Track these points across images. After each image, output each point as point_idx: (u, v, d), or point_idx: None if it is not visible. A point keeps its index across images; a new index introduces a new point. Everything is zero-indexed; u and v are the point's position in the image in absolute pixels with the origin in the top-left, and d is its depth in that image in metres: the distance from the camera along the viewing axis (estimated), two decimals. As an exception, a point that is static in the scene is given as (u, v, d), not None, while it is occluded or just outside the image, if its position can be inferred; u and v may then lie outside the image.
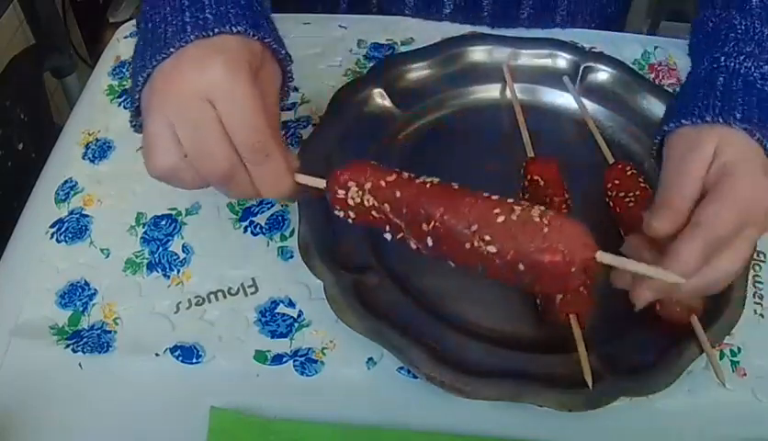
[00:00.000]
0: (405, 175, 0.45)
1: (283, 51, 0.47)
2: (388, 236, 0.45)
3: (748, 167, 0.45)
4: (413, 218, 0.43)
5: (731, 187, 0.44)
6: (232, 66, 0.42)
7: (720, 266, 0.44)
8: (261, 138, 0.42)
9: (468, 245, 0.42)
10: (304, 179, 0.46)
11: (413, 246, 0.44)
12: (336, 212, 0.46)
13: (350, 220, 0.46)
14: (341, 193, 0.45)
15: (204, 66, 0.42)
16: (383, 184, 0.44)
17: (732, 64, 0.50)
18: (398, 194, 0.44)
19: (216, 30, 0.43)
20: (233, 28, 0.43)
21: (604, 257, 0.40)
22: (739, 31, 0.52)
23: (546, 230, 0.40)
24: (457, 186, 0.44)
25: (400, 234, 0.45)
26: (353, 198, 0.45)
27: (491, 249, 0.41)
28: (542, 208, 0.42)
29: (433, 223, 0.42)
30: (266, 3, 0.49)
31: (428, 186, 0.44)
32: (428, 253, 0.44)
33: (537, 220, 0.41)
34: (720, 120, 0.47)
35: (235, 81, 0.41)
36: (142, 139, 0.43)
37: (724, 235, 0.43)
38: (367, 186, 0.44)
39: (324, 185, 0.45)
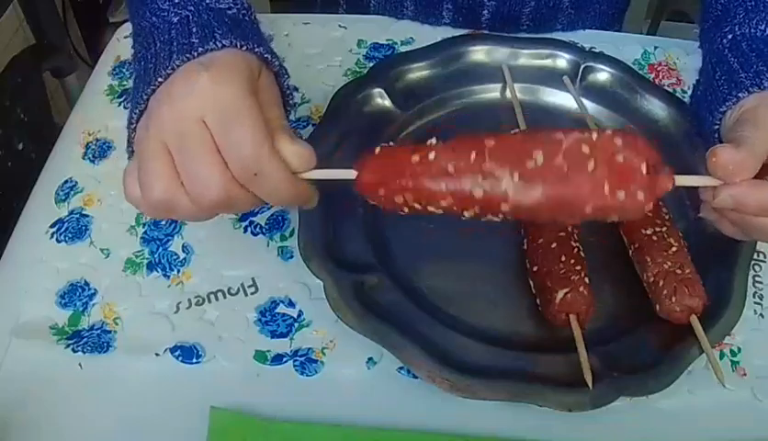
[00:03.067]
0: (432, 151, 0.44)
1: (276, 62, 0.46)
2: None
3: None
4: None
5: None
6: (219, 78, 0.41)
7: None
8: (251, 153, 0.41)
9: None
10: (320, 174, 0.45)
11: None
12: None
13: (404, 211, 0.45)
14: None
15: (190, 82, 0.41)
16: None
17: (747, 30, 0.51)
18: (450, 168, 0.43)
19: (200, 49, 0.43)
20: (218, 43, 0.43)
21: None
22: (750, 6, 0.52)
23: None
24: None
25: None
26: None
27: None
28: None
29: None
30: (256, 23, 0.48)
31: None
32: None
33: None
34: None
35: (222, 91, 0.41)
36: (137, 168, 0.42)
37: None
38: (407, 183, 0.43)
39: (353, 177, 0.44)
